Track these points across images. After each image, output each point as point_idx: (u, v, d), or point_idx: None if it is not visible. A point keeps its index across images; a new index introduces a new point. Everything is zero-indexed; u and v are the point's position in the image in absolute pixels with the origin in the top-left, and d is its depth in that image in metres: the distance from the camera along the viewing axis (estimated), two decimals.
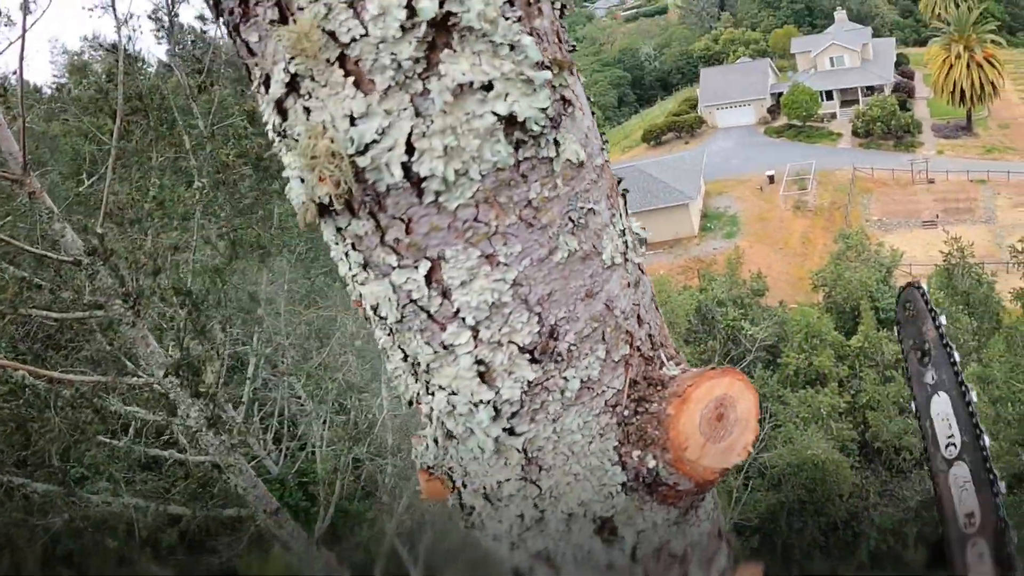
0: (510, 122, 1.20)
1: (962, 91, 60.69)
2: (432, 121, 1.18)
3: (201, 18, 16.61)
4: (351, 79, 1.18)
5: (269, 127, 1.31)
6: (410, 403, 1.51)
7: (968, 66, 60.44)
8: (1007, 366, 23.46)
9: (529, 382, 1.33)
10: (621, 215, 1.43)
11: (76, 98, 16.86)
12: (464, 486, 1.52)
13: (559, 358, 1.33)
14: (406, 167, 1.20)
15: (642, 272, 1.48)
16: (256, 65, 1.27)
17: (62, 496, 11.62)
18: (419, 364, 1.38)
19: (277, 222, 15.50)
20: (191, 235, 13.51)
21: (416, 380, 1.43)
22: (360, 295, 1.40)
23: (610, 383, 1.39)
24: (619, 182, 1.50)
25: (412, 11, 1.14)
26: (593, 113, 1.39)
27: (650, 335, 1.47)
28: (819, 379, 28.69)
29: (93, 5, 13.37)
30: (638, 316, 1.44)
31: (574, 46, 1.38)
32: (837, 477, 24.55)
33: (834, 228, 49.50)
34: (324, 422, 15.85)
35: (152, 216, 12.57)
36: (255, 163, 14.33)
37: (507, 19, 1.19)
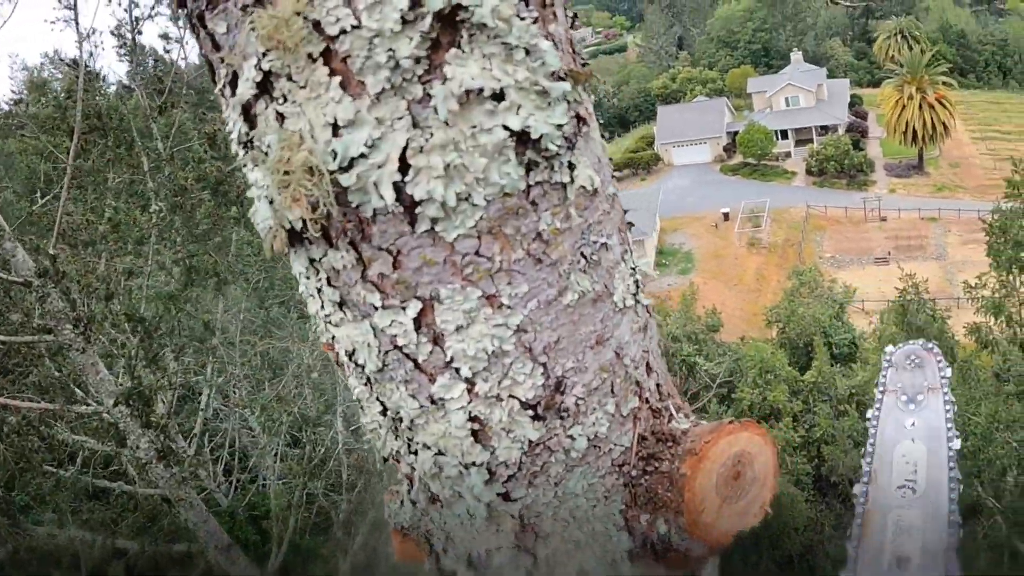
0: (521, 140, 1.01)
1: (914, 131, 61.86)
2: (432, 134, 0.99)
3: (165, 37, 16.28)
4: (337, 79, 0.99)
5: (233, 137, 1.11)
6: (386, 460, 1.32)
7: (920, 107, 61.69)
8: (962, 400, 23.68)
9: (531, 442, 1.15)
10: (630, 251, 1.26)
11: (34, 115, 16.49)
12: (444, 551, 1.34)
13: (565, 414, 1.15)
14: (398, 188, 1.00)
15: (650, 315, 1.31)
16: (223, 61, 1.07)
17: (6, 526, 11.22)
18: (401, 419, 1.20)
19: (234, 249, 15.20)
20: (145, 260, 13.20)
21: (397, 437, 1.23)
22: (333, 338, 1.21)
23: (618, 440, 1.22)
24: (625, 213, 1.33)
25: (416, 1, 0.95)
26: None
27: (659, 384, 1.31)
28: (773, 414, 28.76)
29: (55, 18, 13.08)
30: (647, 364, 1.27)
31: (586, 60, 1.20)
32: (792, 511, 24.57)
33: (788, 265, 49.92)
34: (276, 455, 15.49)
35: (106, 239, 12.26)
36: (214, 188, 14.05)
37: (523, 19, 1.01)
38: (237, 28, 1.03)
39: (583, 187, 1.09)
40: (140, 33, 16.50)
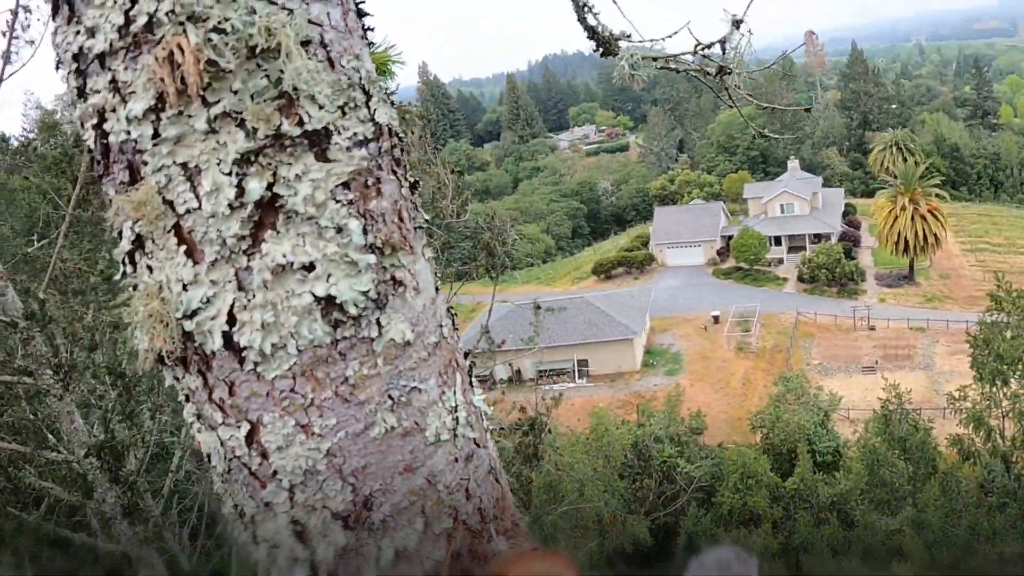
0: (329, 302, 1.24)
1: (906, 241, 62.73)
2: (253, 295, 1.23)
3: None
4: (184, 247, 1.24)
5: (120, 274, 1.36)
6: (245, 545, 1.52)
7: (912, 218, 62.66)
8: (942, 511, 23.65)
9: (343, 547, 1.34)
10: (456, 391, 1.46)
11: (41, 156, 16.72)
12: None
13: (373, 527, 1.34)
14: (227, 336, 1.24)
15: (478, 446, 1.50)
16: (115, 215, 1.32)
17: None
18: (245, 515, 1.41)
19: None
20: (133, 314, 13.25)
21: (245, 529, 1.44)
22: (199, 441, 1.43)
23: (429, 554, 1.40)
24: (466, 355, 1.54)
25: (242, 190, 1.20)
26: (438, 289, 1.44)
27: (480, 509, 1.48)
28: (753, 519, 28.65)
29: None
30: (466, 490, 1.46)
31: (427, 220, 1.43)
32: None
33: (775, 370, 50.03)
34: None
35: (97, 290, 12.40)
36: None
37: (337, 202, 1.24)
38: (118, 196, 1.29)
39: (393, 340, 1.31)
40: None
